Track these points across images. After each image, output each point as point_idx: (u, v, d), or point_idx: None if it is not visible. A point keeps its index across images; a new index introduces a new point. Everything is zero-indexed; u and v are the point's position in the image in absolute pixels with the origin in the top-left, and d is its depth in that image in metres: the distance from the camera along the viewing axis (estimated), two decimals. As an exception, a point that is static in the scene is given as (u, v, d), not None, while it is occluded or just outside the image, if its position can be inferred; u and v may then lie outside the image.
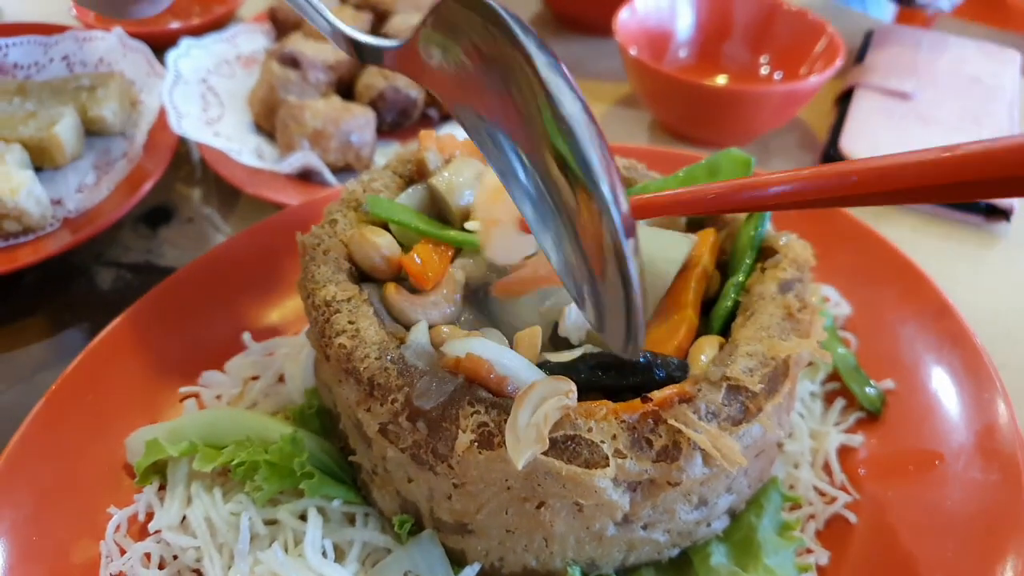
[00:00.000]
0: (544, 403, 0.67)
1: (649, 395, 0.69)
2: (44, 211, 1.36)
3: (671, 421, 0.69)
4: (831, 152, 1.50)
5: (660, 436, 0.69)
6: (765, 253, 0.89)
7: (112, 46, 1.76)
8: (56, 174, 1.52)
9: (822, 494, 0.92)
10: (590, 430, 0.68)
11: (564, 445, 0.67)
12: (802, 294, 0.83)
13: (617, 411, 0.69)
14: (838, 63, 1.45)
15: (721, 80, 1.67)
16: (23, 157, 1.45)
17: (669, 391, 0.70)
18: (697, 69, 1.68)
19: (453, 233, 0.86)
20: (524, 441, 0.65)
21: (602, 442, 0.67)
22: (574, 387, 0.68)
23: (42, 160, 1.50)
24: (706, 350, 0.78)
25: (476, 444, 0.68)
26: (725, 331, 0.83)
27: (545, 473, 0.67)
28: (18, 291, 1.32)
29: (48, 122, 1.50)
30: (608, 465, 0.66)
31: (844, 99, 1.64)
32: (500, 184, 0.61)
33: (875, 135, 1.51)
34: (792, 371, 0.76)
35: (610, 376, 0.74)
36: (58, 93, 1.62)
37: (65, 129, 1.51)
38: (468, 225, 0.86)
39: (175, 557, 0.85)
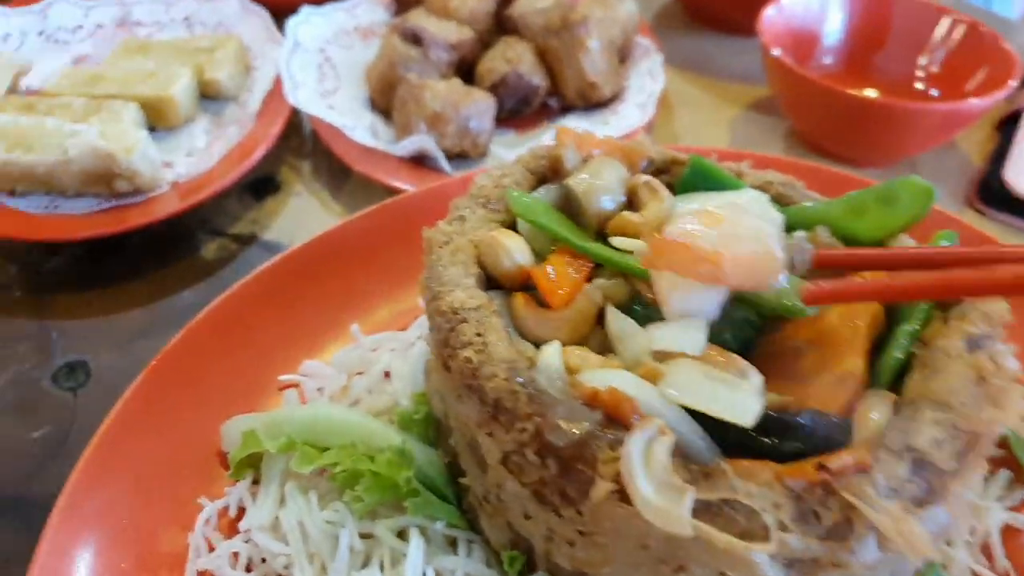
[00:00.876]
0: (651, 451, 0.58)
1: (823, 461, 0.59)
2: (155, 173, 1.34)
3: (845, 494, 0.59)
4: (991, 182, 1.35)
5: (831, 510, 0.59)
6: (946, 302, 0.77)
7: (232, 9, 1.75)
8: (168, 135, 1.51)
9: (981, 580, 0.81)
10: (750, 495, 0.59)
11: (719, 509, 0.58)
12: (994, 355, 0.71)
13: (782, 475, 0.60)
14: (1012, 84, 1.29)
15: (870, 93, 1.52)
16: (139, 116, 1.45)
17: (846, 458, 0.60)
18: (843, 78, 1.53)
19: (604, 250, 0.77)
20: (663, 499, 0.57)
21: (764, 510, 0.58)
22: (660, 422, 0.60)
23: (156, 120, 1.50)
24: (876, 412, 0.67)
25: (616, 495, 0.60)
26: (893, 387, 0.72)
27: (693, 538, 0.58)
28: (123, 252, 1.31)
29: (166, 82, 1.50)
30: (769, 538, 0.57)
31: (1008, 124, 1.48)
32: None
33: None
34: (984, 448, 0.65)
35: (765, 437, 0.64)
36: (177, 53, 1.61)
37: (181, 91, 1.50)
38: (620, 242, 0.77)
39: (263, 560, 0.81)
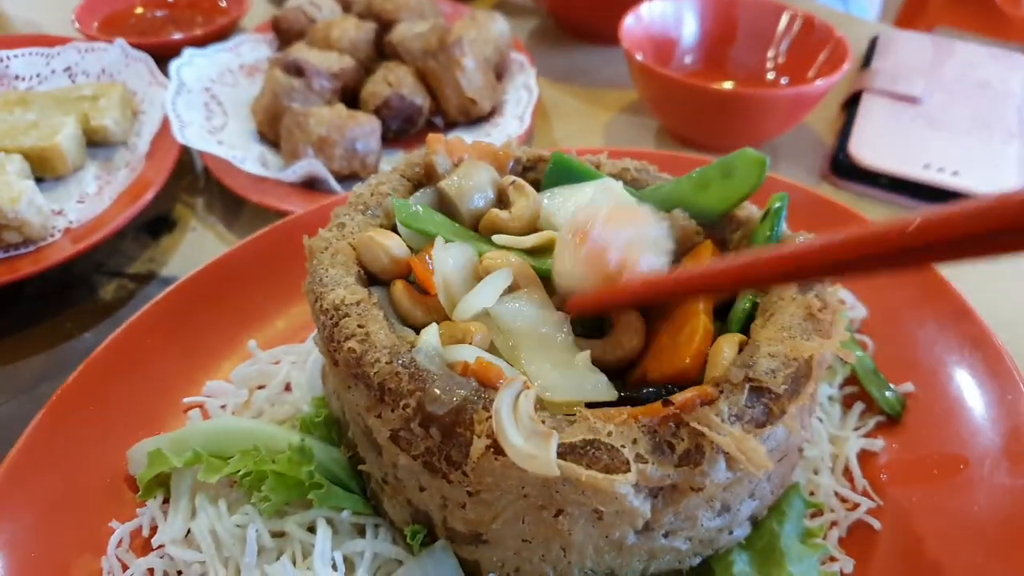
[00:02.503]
0: (517, 405, 0.65)
1: (670, 398, 0.67)
2: (45, 221, 1.34)
3: (693, 424, 0.66)
4: (840, 157, 1.48)
5: (682, 440, 0.66)
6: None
7: (114, 57, 1.75)
8: (58, 184, 1.51)
9: (844, 500, 0.90)
10: (610, 434, 0.65)
11: (583, 450, 0.65)
12: (823, 294, 0.81)
13: (637, 415, 0.67)
14: (845, 67, 1.44)
15: (728, 85, 1.66)
16: (24, 167, 1.44)
17: (691, 393, 0.68)
18: (703, 75, 1.67)
19: (480, 241, 0.84)
20: (531, 446, 0.63)
21: (622, 447, 0.65)
22: (524, 376, 0.67)
23: (44, 170, 1.49)
24: (726, 349, 0.75)
25: (491, 450, 0.65)
26: (743, 333, 0.81)
27: (563, 479, 0.65)
28: (19, 302, 1.30)
29: (50, 132, 1.49)
30: (629, 470, 0.64)
31: (851, 104, 1.63)
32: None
33: (884, 139, 1.50)
34: (815, 372, 0.73)
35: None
36: (60, 103, 1.61)
37: (67, 139, 1.50)
38: (501, 239, 0.84)
39: (179, 572, 0.83)
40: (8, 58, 1.78)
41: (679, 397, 0.67)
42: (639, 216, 0.77)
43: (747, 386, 0.70)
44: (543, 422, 0.65)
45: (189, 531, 0.84)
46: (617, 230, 0.73)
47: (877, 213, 1.41)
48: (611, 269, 0.74)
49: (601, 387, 0.71)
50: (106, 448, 0.92)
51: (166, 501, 0.88)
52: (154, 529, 0.86)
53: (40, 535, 0.83)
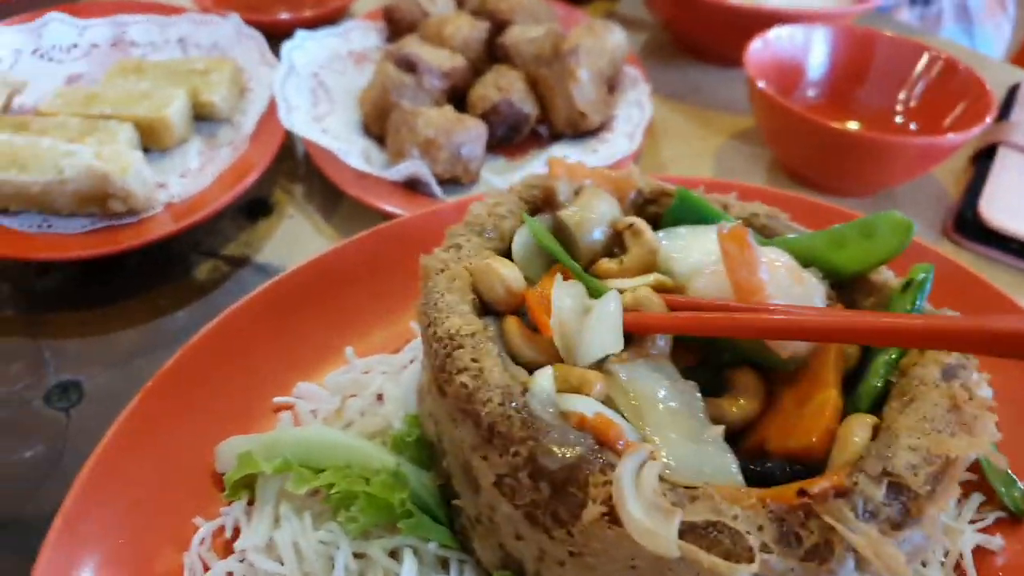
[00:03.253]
0: (641, 475, 0.61)
1: (805, 487, 0.62)
2: (149, 193, 1.36)
3: (825, 517, 0.61)
4: (967, 214, 1.39)
5: (812, 532, 0.62)
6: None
7: (227, 32, 1.77)
8: (163, 156, 1.53)
9: (954, 600, 0.83)
10: (735, 517, 0.61)
11: (704, 531, 0.61)
12: (968, 383, 0.74)
13: (766, 499, 0.62)
14: (988, 121, 1.34)
15: (852, 125, 1.57)
16: (134, 136, 1.46)
17: (825, 482, 0.63)
18: (826, 110, 1.59)
19: (598, 282, 0.80)
20: (652, 521, 0.59)
21: (747, 532, 0.61)
22: (650, 446, 0.63)
23: (151, 141, 1.51)
24: (858, 432, 0.70)
25: (606, 517, 0.62)
26: (872, 413, 0.75)
27: (680, 559, 0.61)
28: (117, 272, 1.32)
29: (161, 103, 1.51)
30: (752, 559, 0.60)
31: (983, 158, 1.53)
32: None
33: (1020, 198, 1.40)
34: (957, 473, 0.68)
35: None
36: (172, 75, 1.63)
37: (176, 112, 1.51)
38: (617, 283, 0.80)
39: (258, 579, 0.82)
40: (126, 24, 1.81)
41: (814, 486, 0.62)
42: (806, 278, 0.73)
43: (885, 480, 0.64)
44: (664, 495, 0.61)
45: (271, 539, 0.83)
46: (789, 285, 0.70)
47: (1004, 281, 1.32)
48: None
49: (730, 471, 0.67)
50: (196, 440, 0.92)
51: (250, 503, 0.88)
52: (236, 531, 0.85)
53: (129, 524, 0.83)
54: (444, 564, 0.81)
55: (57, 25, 1.75)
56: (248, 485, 0.88)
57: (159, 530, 0.84)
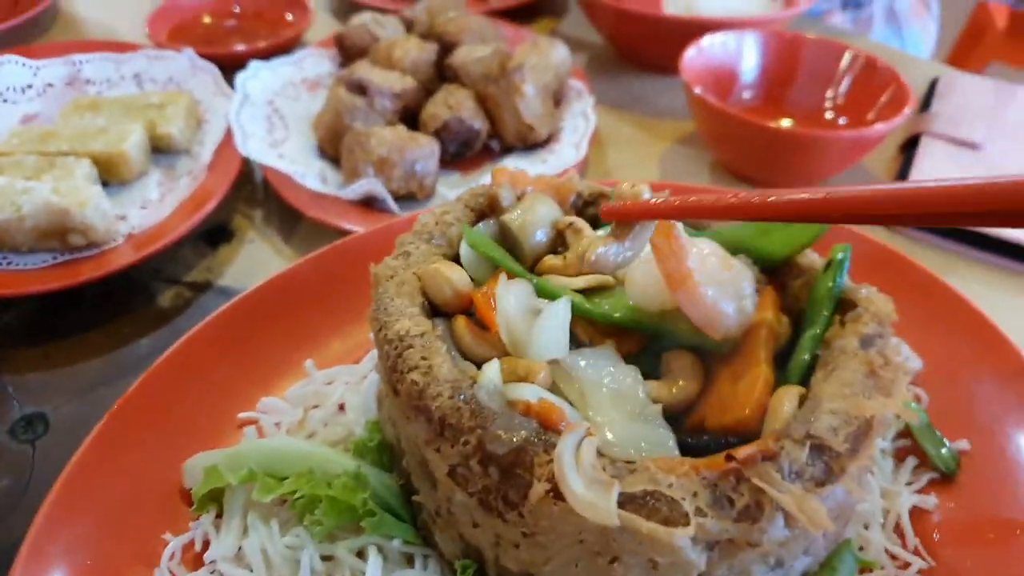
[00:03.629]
0: (580, 452, 0.65)
1: (733, 452, 0.67)
2: (109, 226, 1.38)
3: (754, 480, 0.66)
4: (898, 200, 1.46)
5: (742, 495, 0.66)
6: (844, 306, 0.86)
7: (182, 66, 1.80)
8: (122, 189, 1.55)
9: (894, 558, 0.88)
10: (670, 486, 0.65)
11: (643, 500, 0.65)
12: (884, 350, 0.80)
13: (698, 467, 0.67)
14: (906, 111, 1.42)
15: (785, 123, 1.65)
16: (92, 172, 1.49)
17: (752, 448, 0.67)
18: (761, 111, 1.66)
19: (542, 280, 0.85)
20: (592, 494, 0.63)
21: (683, 499, 0.65)
22: (587, 424, 0.67)
23: (109, 175, 1.54)
24: (787, 403, 0.75)
25: (551, 494, 0.66)
26: (802, 384, 0.81)
27: (622, 528, 0.65)
28: (79, 305, 1.34)
29: (118, 138, 1.54)
30: (688, 523, 0.64)
31: (909, 147, 1.61)
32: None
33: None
34: (876, 431, 0.73)
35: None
36: (128, 110, 1.66)
37: (134, 145, 1.54)
38: (564, 281, 0.85)
39: (229, 589, 0.84)
40: (81, 62, 1.84)
41: (742, 452, 0.67)
42: (734, 264, 0.78)
43: (808, 443, 0.69)
44: (604, 470, 0.66)
45: (240, 549, 0.86)
46: (718, 271, 0.75)
47: (932, 260, 1.39)
48: (693, 304, 0.76)
49: (667, 445, 0.71)
50: (163, 460, 0.94)
51: (219, 516, 0.90)
52: (206, 544, 0.88)
53: (96, 543, 0.85)
54: (409, 560, 0.84)
55: (11, 67, 1.77)
56: (216, 499, 0.90)
57: (128, 548, 0.86)
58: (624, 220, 0.79)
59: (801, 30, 1.81)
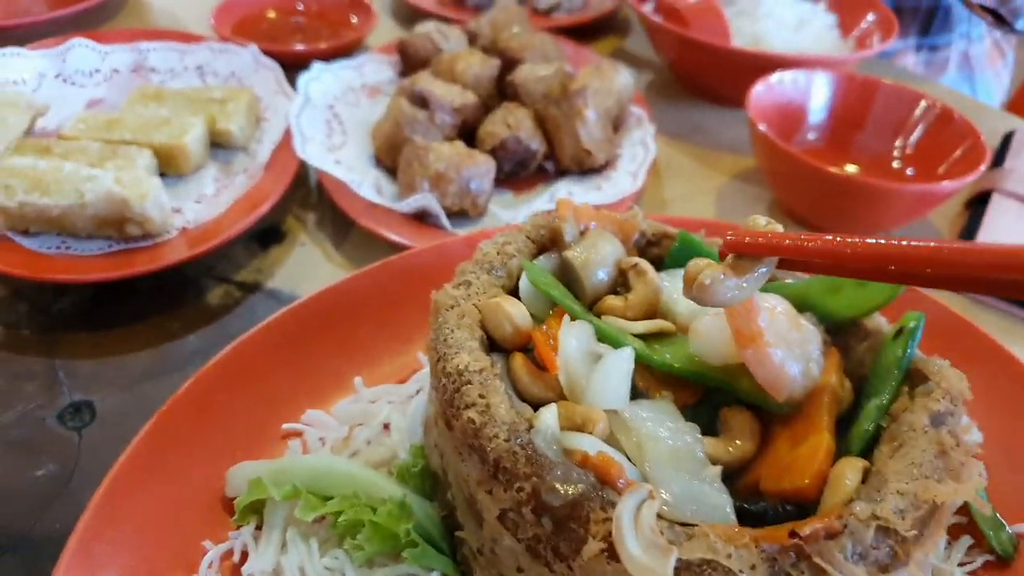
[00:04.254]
0: (639, 513, 0.63)
1: (796, 528, 0.65)
2: (166, 218, 1.39)
3: (815, 558, 0.64)
4: (961, 258, 1.43)
5: (802, 573, 0.64)
6: (912, 377, 0.84)
7: (245, 62, 1.82)
8: (179, 181, 1.57)
9: (942, 640, 0.85)
10: (729, 556, 0.64)
11: (700, 569, 0.63)
12: (956, 430, 0.77)
13: (759, 539, 0.65)
14: (982, 168, 1.38)
15: (850, 169, 1.62)
16: (152, 163, 1.50)
17: (817, 524, 0.65)
18: (826, 154, 1.63)
19: (602, 323, 0.83)
20: (649, 559, 0.62)
21: (741, 572, 0.63)
22: (649, 486, 0.65)
23: (168, 167, 1.55)
24: (849, 475, 0.73)
25: (605, 553, 0.64)
26: (863, 456, 0.78)
27: (675, 596, 0.63)
28: (131, 295, 1.35)
29: (180, 131, 1.56)
30: (745, 598, 0.62)
31: (977, 203, 1.57)
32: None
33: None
34: (944, 518, 0.70)
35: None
36: (191, 102, 1.67)
37: (194, 139, 1.56)
38: (625, 324, 0.83)
39: (265, 604, 0.84)
40: (147, 50, 1.86)
41: (806, 528, 0.65)
42: (804, 325, 0.77)
43: (873, 524, 0.67)
44: (662, 533, 0.64)
45: (279, 564, 0.85)
46: (787, 331, 0.73)
47: (999, 326, 1.35)
48: (760, 364, 0.75)
49: (725, 510, 0.69)
50: (207, 465, 0.94)
51: (258, 528, 0.90)
52: (244, 555, 0.88)
53: (138, 545, 0.85)
54: (447, 593, 0.83)
55: (80, 50, 1.80)
56: (257, 510, 0.90)
57: (168, 553, 0.86)
58: (748, 253, 0.72)
59: (872, 70, 1.78)
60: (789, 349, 0.77)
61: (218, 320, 1.32)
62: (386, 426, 1.00)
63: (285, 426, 1.01)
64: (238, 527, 0.90)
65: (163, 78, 1.85)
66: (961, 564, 0.92)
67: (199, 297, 1.37)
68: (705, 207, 1.61)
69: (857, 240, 0.64)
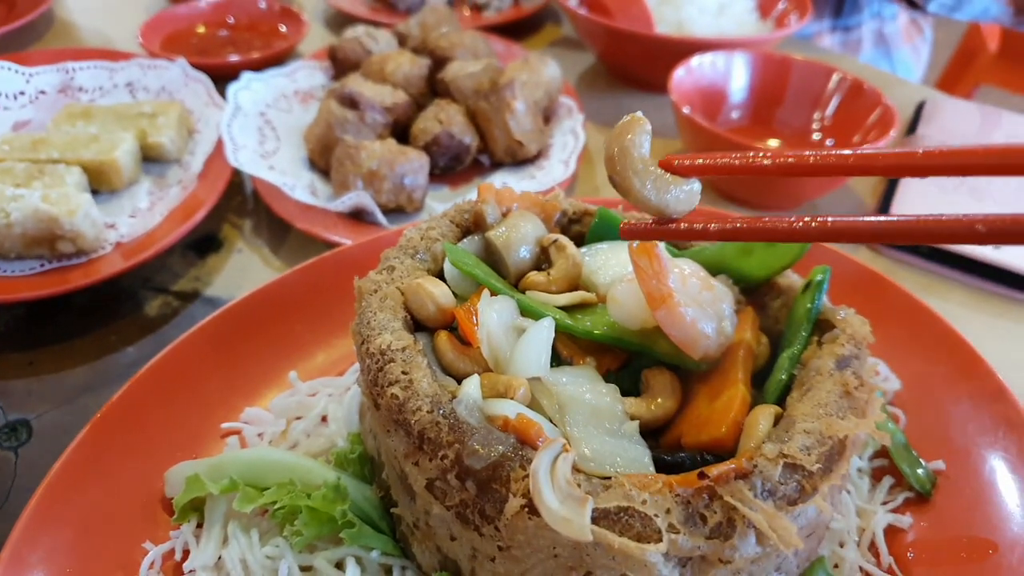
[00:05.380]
0: (555, 467, 0.66)
1: (706, 470, 0.68)
2: (98, 234, 1.39)
3: (727, 498, 0.67)
4: (881, 221, 1.48)
5: (715, 512, 0.67)
6: (822, 327, 0.88)
7: (175, 76, 1.81)
8: (112, 197, 1.56)
9: (868, 576, 0.89)
10: (644, 502, 0.66)
11: (617, 516, 0.66)
12: (860, 371, 0.81)
13: (672, 484, 0.68)
14: (892, 134, 1.44)
15: (773, 144, 1.67)
16: (82, 180, 1.49)
17: (726, 467, 0.68)
18: (749, 131, 1.69)
19: (524, 297, 0.86)
20: (566, 510, 0.64)
21: (656, 515, 0.66)
22: (563, 440, 0.68)
23: (100, 183, 1.54)
24: (762, 422, 0.76)
25: (526, 509, 0.67)
26: (779, 404, 0.82)
27: (595, 544, 0.66)
28: (66, 312, 1.34)
29: (109, 146, 1.55)
30: (661, 540, 0.65)
31: (895, 168, 1.63)
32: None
33: (926, 206, 1.50)
34: (848, 451, 0.74)
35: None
36: (120, 118, 1.67)
37: (124, 154, 1.55)
38: (545, 297, 0.86)
39: (208, 598, 0.84)
40: (74, 70, 1.85)
41: (715, 470, 0.68)
42: (715, 285, 0.81)
43: (781, 462, 0.70)
44: (579, 486, 0.66)
45: (220, 558, 0.86)
46: (698, 291, 0.76)
47: (913, 281, 1.41)
48: (673, 323, 0.78)
49: (643, 461, 0.72)
50: (145, 468, 0.94)
51: (199, 526, 0.90)
52: (186, 553, 0.88)
53: (77, 551, 0.85)
54: (388, 572, 0.85)
55: (3, 73, 1.78)
56: (197, 508, 0.91)
57: (108, 556, 0.86)
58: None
59: (790, 52, 1.84)
60: (701, 308, 0.81)
61: (157, 330, 1.32)
62: (324, 418, 1.01)
63: (224, 425, 1.01)
64: (178, 526, 0.90)
65: (92, 97, 1.83)
66: (884, 503, 0.96)
67: (137, 309, 1.36)
68: (637, 190, 1.64)
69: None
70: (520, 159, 1.60)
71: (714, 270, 0.92)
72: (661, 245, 0.82)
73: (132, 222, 1.49)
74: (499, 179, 1.58)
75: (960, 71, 3.35)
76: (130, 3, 2.43)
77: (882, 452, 1.00)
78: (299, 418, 1.01)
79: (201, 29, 2.20)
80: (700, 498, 0.68)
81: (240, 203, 1.59)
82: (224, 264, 1.46)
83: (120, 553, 0.87)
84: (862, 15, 2.49)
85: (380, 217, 1.41)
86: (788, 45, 2.06)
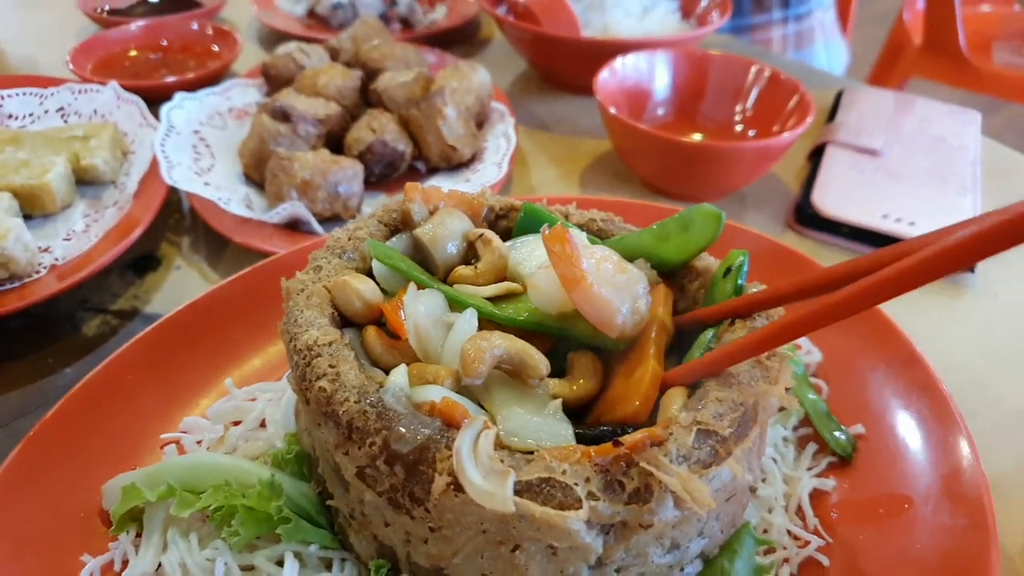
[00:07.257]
0: (477, 444, 0.68)
1: (621, 439, 0.71)
2: (32, 258, 1.37)
3: (643, 464, 0.70)
4: (803, 206, 1.55)
5: (632, 479, 0.70)
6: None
7: (107, 98, 1.81)
8: (46, 221, 1.55)
9: (795, 538, 0.93)
10: (564, 473, 0.69)
11: (539, 488, 0.68)
12: (771, 342, 0.85)
13: (591, 454, 0.71)
14: (809, 120, 1.51)
15: (697, 137, 1.73)
16: (12, 205, 1.48)
17: (641, 435, 0.72)
18: (675, 127, 1.74)
19: (450, 289, 0.88)
20: (489, 484, 0.67)
21: (576, 484, 0.69)
22: (485, 415, 0.71)
23: (33, 207, 1.53)
24: (676, 399, 0.80)
25: (452, 487, 0.69)
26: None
27: (520, 516, 0.68)
28: (2, 337, 1.33)
29: (40, 171, 1.54)
30: (581, 507, 0.68)
31: (816, 155, 1.71)
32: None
33: (846, 189, 1.57)
34: (761, 416, 0.78)
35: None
36: (51, 143, 1.66)
37: (56, 177, 1.54)
38: (473, 290, 0.88)
39: (149, 605, 0.85)
40: (3, 97, 1.83)
41: (629, 438, 0.71)
42: (628, 268, 0.85)
43: (695, 428, 0.74)
44: (502, 461, 0.69)
45: (160, 565, 0.86)
46: (612, 275, 0.79)
47: (837, 260, 1.47)
48: (588, 303, 0.81)
49: (565, 437, 0.75)
50: (82, 482, 0.94)
51: (139, 535, 0.91)
52: (126, 563, 0.88)
53: (13, 568, 0.85)
54: (328, 565, 0.86)
55: (-71, 104, 1.75)
56: (136, 518, 0.91)
57: (45, 571, 0.86)
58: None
59: (730, 50, 1.91)
60: (615, 289, 0.84)
61: (96, 350, 1.31)
62: (263, 423, 1.03)
63: (162, 436, 1.02)
64: (116, 537, 0.90)
65: (23, 123, 1.82)
66: (809, 469, 1.01)
67: (74, 330, 1.35)
68: (571, 189, 1.69)
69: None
70: (455, 163, 1.63)
71: (631, 256, 0.96)
72: (574, 230, 0.85)
73: (67, 245, 1.48)
74: (435, 184, 1.60)
75: (890, 65, 3.49)
76: (60, 29, 2.41)
77: (806, 421, 1.05)
78: (237, 423, 1.02)
79: (133, 52, 2.19)
80: (618, 466, 0.71)
81: (177, 221, 1.59)
82: (163, 281, 1.45)
83: (58, 567, 0.87)
84: (810, 4, 2.56)
85: (316, 226, 1.43)
86: (709, 44, 2.13)
